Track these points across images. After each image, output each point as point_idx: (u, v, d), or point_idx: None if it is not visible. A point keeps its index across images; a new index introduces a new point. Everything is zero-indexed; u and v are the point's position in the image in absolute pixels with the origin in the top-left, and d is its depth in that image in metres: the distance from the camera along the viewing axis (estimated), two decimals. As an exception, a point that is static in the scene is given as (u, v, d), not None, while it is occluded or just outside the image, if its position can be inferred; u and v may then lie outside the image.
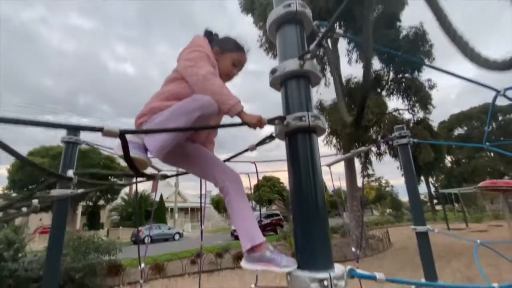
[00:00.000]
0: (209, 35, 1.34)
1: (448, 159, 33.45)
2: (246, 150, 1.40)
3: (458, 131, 34.10)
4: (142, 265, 2.86)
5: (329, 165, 4.16)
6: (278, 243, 10.87)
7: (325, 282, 0.84)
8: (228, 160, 1.57)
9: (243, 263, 1.15)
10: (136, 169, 1.08)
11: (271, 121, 1.01)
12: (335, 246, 8.20)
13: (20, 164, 15.71)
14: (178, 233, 21.49)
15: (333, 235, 12.54)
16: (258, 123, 1.01)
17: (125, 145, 0.87)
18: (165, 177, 1.36)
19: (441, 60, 11.26)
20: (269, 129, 1.25)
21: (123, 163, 3.08)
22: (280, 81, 1.18)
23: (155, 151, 1.09)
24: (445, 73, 1.51)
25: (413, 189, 3.39)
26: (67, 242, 6.40)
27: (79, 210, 28.04)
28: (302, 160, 1.05)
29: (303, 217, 1.02)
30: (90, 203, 25.75)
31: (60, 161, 2.26)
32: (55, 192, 2.07)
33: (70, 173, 2.24)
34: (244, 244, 1.11)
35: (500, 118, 30.05)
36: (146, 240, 18.69)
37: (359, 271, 0.93)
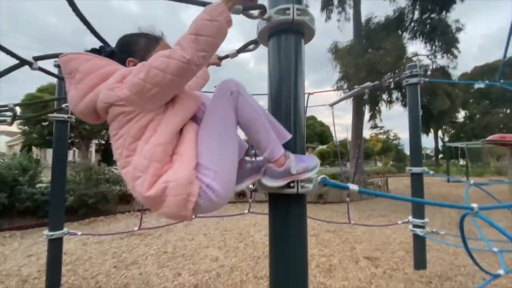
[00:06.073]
0: (100, 51, 0.93)
1: (462, 114, 32.38)
2: (226, 57, 1.23)
3: (479, 84, 32.15)
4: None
5: (331, 105, 4.01)
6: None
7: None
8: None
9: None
10: None
11: (247, 8, 0.82)
12: (333, 190, 8.54)
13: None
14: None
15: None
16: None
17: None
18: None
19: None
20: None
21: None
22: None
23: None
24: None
25: (415, 132, 3.29)
26: (79, 172, 6.85)
27: (93, 148, 29.39)
28: (283, 66, 0.93)
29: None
30: (103, 141, 26.82)
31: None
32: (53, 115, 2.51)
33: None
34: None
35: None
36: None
37: (329, 180, 0.93)
